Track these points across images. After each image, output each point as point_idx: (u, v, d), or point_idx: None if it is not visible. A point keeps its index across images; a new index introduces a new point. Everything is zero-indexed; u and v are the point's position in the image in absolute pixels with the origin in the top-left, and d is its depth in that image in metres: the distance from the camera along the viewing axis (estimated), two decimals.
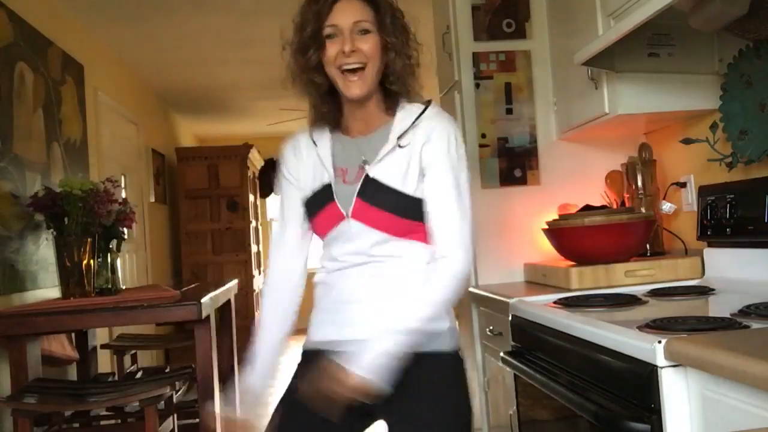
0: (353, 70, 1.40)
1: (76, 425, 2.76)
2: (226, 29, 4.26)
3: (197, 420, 2.57)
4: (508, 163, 2.67)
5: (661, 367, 1.22)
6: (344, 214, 1.42)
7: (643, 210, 2.39)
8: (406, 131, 1.42)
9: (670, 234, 2.45)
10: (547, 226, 2.39)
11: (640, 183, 2.46)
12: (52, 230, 2.58)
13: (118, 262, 2.81)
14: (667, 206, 2.41)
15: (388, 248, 1.42)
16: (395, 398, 1.36)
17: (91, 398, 2.28)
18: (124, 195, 4.54)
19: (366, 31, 1.41)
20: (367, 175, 1.42)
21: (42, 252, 3.05)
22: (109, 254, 2.76)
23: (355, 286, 1.44)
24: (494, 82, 2.68)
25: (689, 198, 2.35)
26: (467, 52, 2.68)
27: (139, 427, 2.51)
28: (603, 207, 2.45)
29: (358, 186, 1.42)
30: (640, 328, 1.36)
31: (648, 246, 2.39)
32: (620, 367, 1.35)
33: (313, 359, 1.47)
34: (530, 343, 1.90)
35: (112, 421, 2.85)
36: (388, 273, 1.42)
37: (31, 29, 3.20)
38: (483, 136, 2.67)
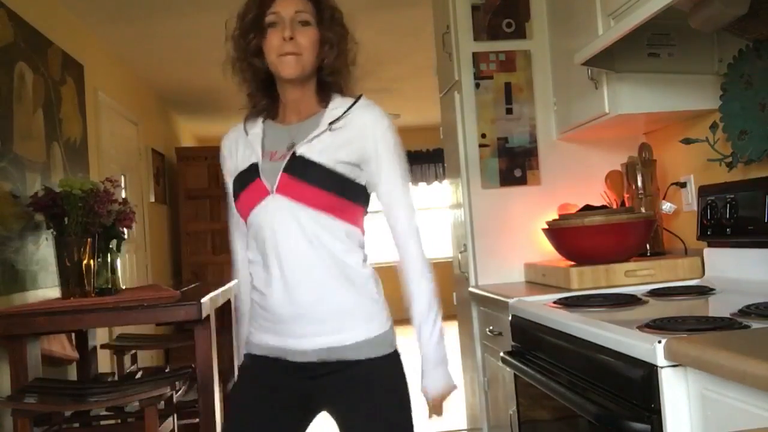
0: (291, 57, 1.46)
1: (76, 425, 2.76)
2: (228, 25, 4.26)
3: (197, 420, 2.57)
4: (508, 163, 2.67)
5: (661, 367, 1.22)
6: (268, 189, 1.44)
7: (643, 210, 2.39)
8: (338, 118, 1.47)
9: (670, 234, 2.45)
10: (547, 226, 2.39)
11: (640, 183, 2.46)
12: (52, 230, 2.58)
13: (118, 262, 2.81)
14: (667, 206, 2.41)
15: (311, 227, 1.43)
16: (346, 397, 1.46)
17: (91, 398, 2.28)
18: (124, 195, 4.54)
19: (306, 23, 1.47)
20: (293, 153, 1.45)
21: (42, 252, 3.05)
22: (109, 254, 2.76)
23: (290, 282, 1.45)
24: (494, 82, 2.68)
25: (689, 198, 2.35)
26: (467, 52, 2.68)
27: (139, 427, 2.51)
28: (603, 207, 2.45)
29: (285, 162, 1.45)
30: (640, 328, 1.36)
31: (648, 246, 2.39)
32: (620, 367, 1.35)
33: (258, 361, 1.54)
34: (530, 343, 1.90)
35: (112, 421, 2.85)
36: (306, 256, 1.44)
37: (31, 29, 3.20)
38: (483, 136, 2.67)
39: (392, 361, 1.51)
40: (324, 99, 1.53)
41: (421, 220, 1.55)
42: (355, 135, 1.46)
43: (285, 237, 1.43)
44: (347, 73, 1.54)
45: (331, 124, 1.46)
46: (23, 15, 3.11)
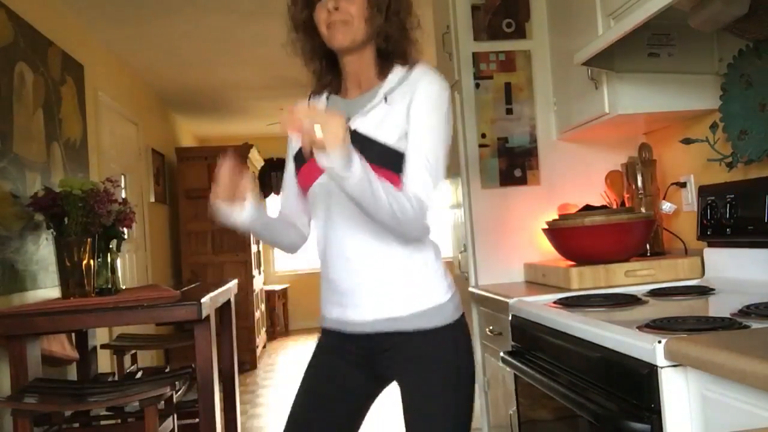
0: (339, 25, 1.45)
1: (76, 425, 2.76)
2: (226, 29, 4.27)
3: (197, 420, 2.57)
4: (508, 163, 2.67)
5: (661, 367, 1.22)
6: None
7: (643, 210, 2.39)
8: (393, 89, 1.46)
9: (670, 234, 2.45)
10: (547, 226, 2.39)
11: (640, 183, 2.46)
12: (52, 230, 2.58)
13: (118, 262, 2.81)
14: (667, 206, 2.41)
15: None
16: (406, 369, 1.44)
17: (91, 398, 2.28)
18: (124, 195, 4.54)
19: None
20: (349, 128, 1.41)
21: (42, 252, 3.05)
22: (109, 254, 2.76)
23: (349, 252, 1.46)
24: (494, 82, 2.68)
25: (689, 198, 2.35)
26: (467, 52, 2.68)
27: (139, 427, 2.51)
28: (603, 207, 2.45)
29: None
30: (640, 328, 1.36)
31: (648, 246, 2.39)
32: (620, 367, 1.35)
33: (328, 336, 1.56)
34: (530, 343, 1.90)
35: (112, 421, 2.85)
36: (363, 230, 1.44)
37: (31, 29, 3.20)
38: (483, 136, 2.67)
39: (451, 333, 1.46)
40: (384, 70, 1.50)
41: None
42: (402, 103, 1.43)
43: (341, 213, 1.45)
44: (406, 39, 1.50)
45: (386, 95, 1.45)
46: (23, 15, 3.11)
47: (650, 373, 1.24)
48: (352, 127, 1.42)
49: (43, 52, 3.33)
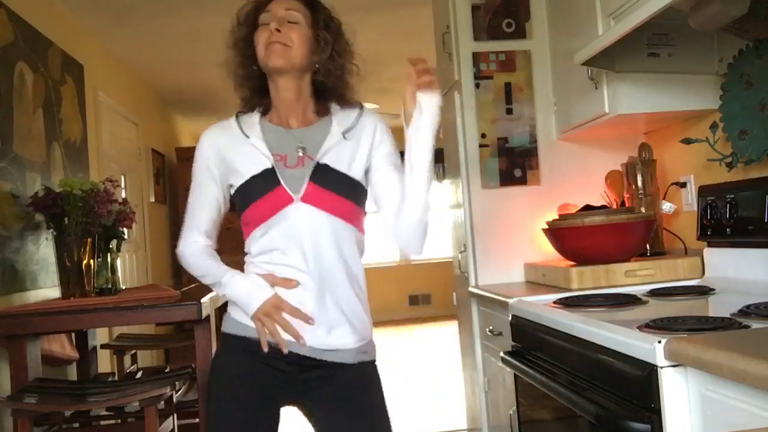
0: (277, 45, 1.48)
1: (76, 425, 2.76)
2: (226, 29, 4.26)
3: (197, 420, 2.56)
4: (508, 163, 2.67)
5: (661, 367, 1.22)
6: (292, 197, 1.46)
7: (643, 210, 2.39)
8: (351, 127, 1.53)
9: (670, 234, 2.45)
10: (547, 226, 2.39)
11: (640, 183, 2.46)
12: (52, 230, 2.58)
13: (118, 262, 2.81)
14: (667, 206, 2.41)
15: (330, 233, 1.47)
16: (331, 400, 1.50)
17: (91, 398, 2.28)
18: (124, 195, 4.54)
19: (296, 22, 1.50)
20: (318, 162, 1.48)
21: (42, 252, 3.05)
22: (109, 254, 2.76)
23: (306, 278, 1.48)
24: (494, 82, 2.68)
25: (689, 198, 2.35)
26: (467, 52, 2.68)
27: (139, 427, 2.51)
28: (603, 207, 2.45)
29: (310, 170, 1.47)
30: (640, 328, 1.36)
31: (648, 246, 2.39)
32: (620, 367, 1.35)
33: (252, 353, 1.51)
34: (530, 343, 1.90)
35: (112, 421, 2.85)
36: (326, 259, 1.48)
37: (31, 29, 3.20)
38: (483, 136, 2.67)
39: (376, 369, 1.58)
40: (323, 107, 1.56)
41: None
42: (366, 142, 1.52)
43: (306, 242, 1.46)
44: (344, 82, 1.56)
45: (345, 133, 1.51)
46: (23, 15, 3.11)
47: (650, 373, 1.24)
48: (321, 161, 1.48)
49: (43, 52, 3.33)
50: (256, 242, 1.51)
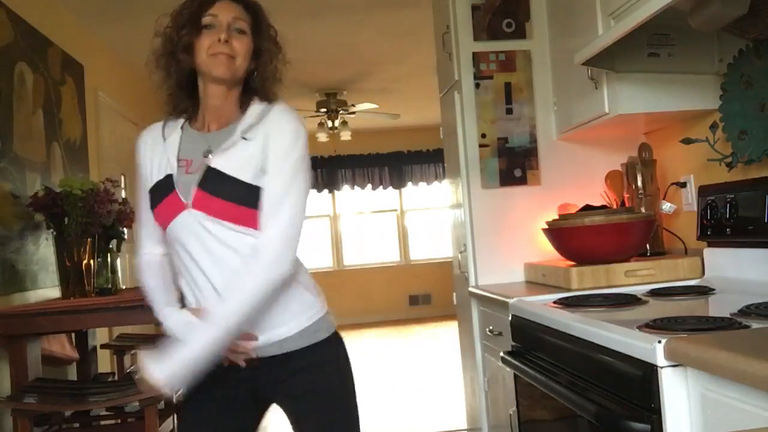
0: (224, 56, 1.46)
1: (76, 425, 2.76)
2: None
3: None
4: (508, 163, 2.67)
5: (661, 367, 1.22)
6: (185, 203, 1.44)
7: (643, 210, 2.39)
8: (252, 126, 1.47)
9: (670, 234, 2.45)
10: (547, 226, 2.39)
11: (640, 183, 2.46)
12: (52, 230, 2.58)
13: (118, 262, 2.81)
14: (667, 206, 2.41)
15: (229, 239, 1.43)
16: (293, 390, 1.49)
17: (91, 398, 2.28)
18: (124, 195, 4.54)
19: (242, 32, 1.49)
20: (208, 166, 1.45)
21: (42, 252, 3.05)
22: (109, 254, 2.76)
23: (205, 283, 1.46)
24: (494, 82, 2.68)
25: (689, 198, 2.35)
26: (467, 52, 2.68)
27: (139, 427, 2.51)
28: (603, 207, 2.45)
29: (199, 176, 1.45)
30: (640, 328, 1.36)
31: (648, 246, 2.39)
32: (620, 367, 1.35)
33: None
34: (530, 343, 1.90)
35: (112, 421, 2.85)
36: (229, 265, 1.43)
37: (31, 29, 3.20)
38: (483, 136, 2.67)
39: (332, 345, 1.54)
40: (244, 104, 1.52)
41: (303, 247, 1.47)
42: (260, 140, 1.45)
43: (203, 249, 1.44)
44: (276, 86, 1.54)
45: (244, 132, 1.46)
46: (23, 15, 3.11)
47: (650, 373, 1.24)
48: (212, 165, 1.44)
49: (43, 52, 3.33)
50: (168, 241, 1.52)
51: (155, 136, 1.57)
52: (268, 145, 1.43)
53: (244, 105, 1.52)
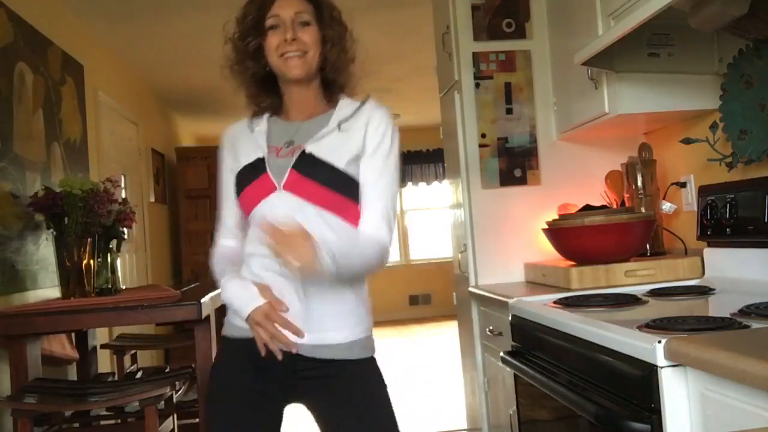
0: (295, 57, 1.48)
1: (76, 425, 2.76)
2: (225, 28, 4.26)
3: (197, 420, 2.57)
4: (508, 163, 2.67)
5: (661, 367, 1.22)
6: (275, 185, 1.45)
7: (643, 210, 2.39)
8: (347, 118, 1.50)
9: (670, 234, 2.45)
10: (547, 226, 2.39)
11: (640, 183, 2.46)
12: (52, 230, 2.58)
13: (118, 262, 2.81)
14: (667, 206, 2.41)
15: (313, 223, 1.41)
16: (332, 398, 1.48)
17: (91, 398, 2.28)
18: (124, 195, 4.54)
19: (306, 23, 1.50)
20: (303, 151, 1.47)
21: (42, 252, 3.05)
22: (109, 254, 2.76)
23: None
24: (494, 82, 2.68)
25: (689, 198, 2.35)
26: (467, 52, 2.68)
27: (139, 427, 2.51)
28: (603, 207, 2.45)
29: (294, 159, 1.46)
30: (640, 328, 1.36)
31: (648, 246, 2.39)
32: (620, 367, 1.35)
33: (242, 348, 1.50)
34: (530, 343, 1.90)
35: (112, 421, 2.85)
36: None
37: (31, 29, 3.20)
38: (483, 136, 2.67)
39: (375, 364, 1.55)
40: (331, 98, 1.56)
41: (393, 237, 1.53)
42: (358, 134, 1.48)
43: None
44: (349, 71, 1.56)
45: (340, 123, 1.49)
46: (23, 15, 3.11)
47: (650, 373, 1.24)
48: (307, 151, 1.46)
49: (43, 52, 3.33)
50: (249, 239, 1.53)
51: (242, 128, 1.59)
52: (365, 136, 1.48)
53: (331, 97, 1.56)
